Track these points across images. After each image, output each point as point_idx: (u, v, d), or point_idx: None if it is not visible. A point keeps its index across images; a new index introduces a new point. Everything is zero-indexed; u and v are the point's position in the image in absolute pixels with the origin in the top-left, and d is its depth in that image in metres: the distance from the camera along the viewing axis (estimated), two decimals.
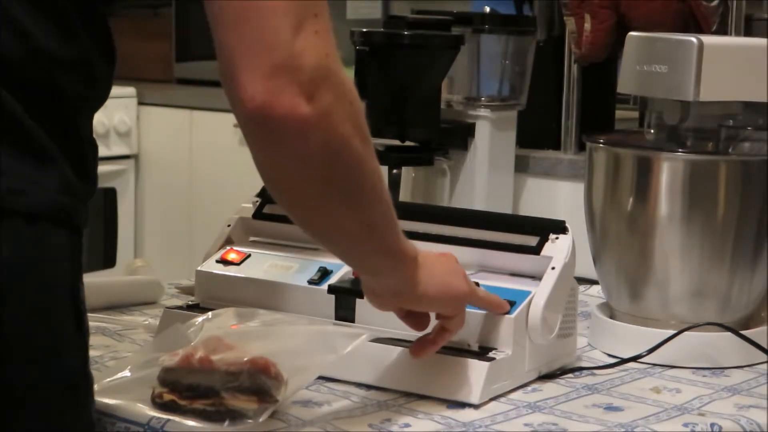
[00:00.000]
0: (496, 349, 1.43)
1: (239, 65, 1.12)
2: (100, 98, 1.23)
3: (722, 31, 2.24)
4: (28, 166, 1.12)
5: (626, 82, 1.67)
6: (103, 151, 4.07)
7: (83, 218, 1.19)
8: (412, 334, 1.46)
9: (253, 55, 1.11)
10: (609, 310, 1.69)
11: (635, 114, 2.41)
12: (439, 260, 1.37)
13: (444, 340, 1.40)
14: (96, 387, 1.36)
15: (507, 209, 2.26)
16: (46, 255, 1.13)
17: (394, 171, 2.00)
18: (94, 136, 1.24)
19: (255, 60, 1.11)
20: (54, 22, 1.15)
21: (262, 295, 1.55)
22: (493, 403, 1.41)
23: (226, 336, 1.36)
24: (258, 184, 1.70)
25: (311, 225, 1.26)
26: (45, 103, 1.14)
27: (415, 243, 1.34)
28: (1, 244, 1.09)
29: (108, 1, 1.23)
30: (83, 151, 1.19)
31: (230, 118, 3.99)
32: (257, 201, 1.66)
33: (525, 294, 1.46)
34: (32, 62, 1.13)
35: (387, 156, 2.03)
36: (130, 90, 4.21)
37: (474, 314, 1.44)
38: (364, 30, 2.09)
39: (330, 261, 1.56)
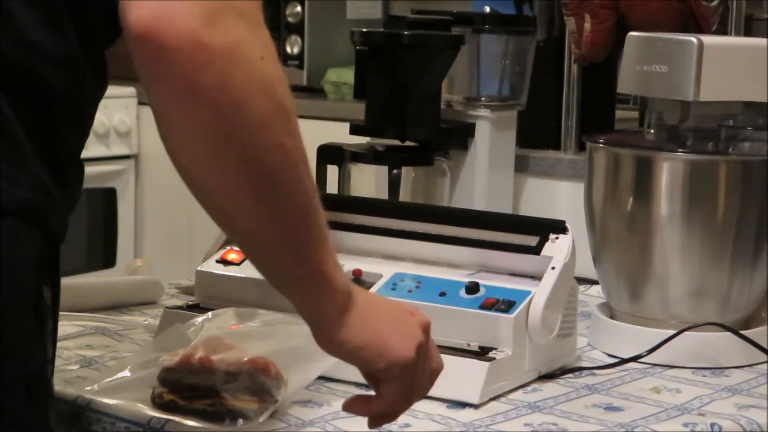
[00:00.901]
0: (496, 349, 1.43)
1: None
2: (87, 112, 1.21)
3: (722, 31, 2.24)
4: (5, 161, 1.10)
5: (626, 82, 1.67)
6: (103, 151, 4.09)
7: (58, 226, 1.16)
8: None
9: None
10: (609, 310, 1.69)
11: (635, 114, 2.41)
12: (388, 312, 1.17)
13: (375, 409, 1.19)
14: (96, 387, 1.37)
15: (507, 209, 2.26)
16: (11, 251, 1.10)
17: (394, 171, 2.00)
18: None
19: None
20: (44, 18, 1.13)
21: (262, 295, 1.54)
22: (493, 403, 1.41)
23: (226, 336, 1.36)
24: None
25: (203, 198, 1.07)
26: (28, 99, 1.12)
27: (359, 289, 1.17)
28: None
29: (107, 40, 1.21)
30: (63, 160, 1.16)
31: None
32: None
33: (525, 294, 1.46)
34: (19, 51, 1.11)
35: (387, 156, 2.03)
36: (130, 90, 4.21)
37: (474, 314, 1.44)
38: (364, 30, 2.09)
39: None
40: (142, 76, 1.02)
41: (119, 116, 4.13)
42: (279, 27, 3.89)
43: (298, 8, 3.89)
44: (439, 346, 1.43)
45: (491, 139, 2.22)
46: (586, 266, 1.67)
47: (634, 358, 1.58)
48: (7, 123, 1.10)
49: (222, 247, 1.63)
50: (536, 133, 2.42)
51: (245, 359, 1.30)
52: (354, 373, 1.44)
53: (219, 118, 1.01)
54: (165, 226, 4.21)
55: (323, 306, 1.12)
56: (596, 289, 1.80)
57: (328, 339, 1.14)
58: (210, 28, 0.99)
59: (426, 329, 1.19)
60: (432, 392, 1.40)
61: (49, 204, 1.15)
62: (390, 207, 1.71)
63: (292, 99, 1.05)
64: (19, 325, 1.12)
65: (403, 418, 1.35)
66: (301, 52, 3.88)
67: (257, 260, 1.13)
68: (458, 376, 1.40)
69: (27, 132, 1.12)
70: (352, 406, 1.21)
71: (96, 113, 1.23)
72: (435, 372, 1.22)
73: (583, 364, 1.57)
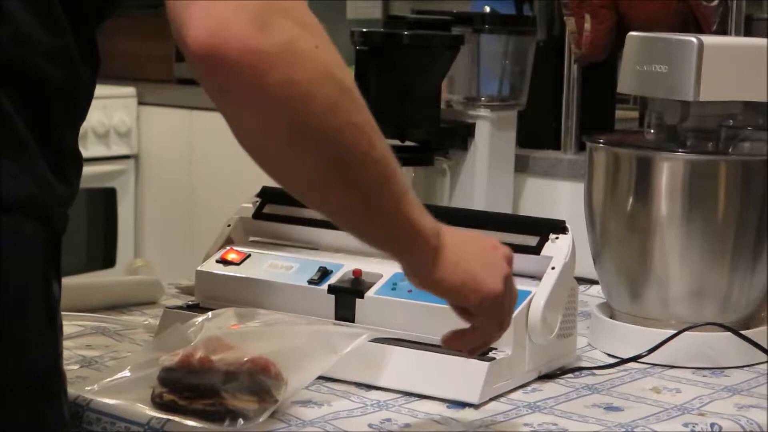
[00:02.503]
0: (496, 349, 1.43)
1: (184, 7, 1.03)
2: (81, 106, 1.21)
3: (722, 31, 2.24)
4: (6, 156, 1.11)
5: (626, 82, 1.67)
6: (103, 151, 4.09)
7: (60, 220, 1.17)
8: (412, 334, 1.46)
9: None
10: (609, 310, 1.69)
11: (635, 114, 2.41)
12: (475, 248, 1.25)
13: (472, 341, 1.28)
14: (96, 387, 1.37)
15: (507, 209, 2.26)
16: (19, 246, 1.11)
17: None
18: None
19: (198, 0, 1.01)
20: (39, 14, 1.14)
21: (262, 295, 1.55)
22: (493, 403, 1.41)
23: (226, 336, 1.36)
24: (258, 184, 1.70)
25: (294, 190, 1.14)
26: (26, 94, 1.13)
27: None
28: None
29: (98, 18, 1.22)
30: (62, 154, 1.18)
31: None
32: (257, 201, 1.66)
33: (525, 294, 1.46)
34: (16, 47, 1.12)
35: None
36: (130, 90, 4.21)
37: None
38: (364, 30, 2.09)
39: (330, 261, 1.56)
40: (209, 91, 1.06)
41: (119, 116, 4.13)
42: None
43: None
44: (440, 346, 1.43)
45: (491, 139, 2.22)
46: (586, 266, 1.67)
47: (634, 358, 1.58)
48: (8, 119, 1.11)
49: (222, 247, 1.63)
50: (536, 133, 2.42)
51: (245, 359, 1.30)
52: (354, 373, 1.45)
53: (290, 115, 1.05)
54: (165, 226, 4.22)
55: (417, 253, 1.18)
56: (596, 289, 1.80)
57: (425, 281, 1.21)
58: (263, 33, 1.02)
59: (510, 260, 1.27)
60: (432, 392, 1.41)
61: (52, 198, 1.16)
62: None
63: (351, 76, 1.09)
64: (32, 319, 1.13)
65: (402, 418, 1.35)
66: None
67: (351, 229, 1.20)
68: (458, 376, 1.40)
69: (27, 127, 1.13)
70: (451, 342, 1.28)
71: (90, 105, 1.23)
72: (515, 299, 1.30)
73: (583, 364, 1.57)
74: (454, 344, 1.29)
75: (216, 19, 1.02)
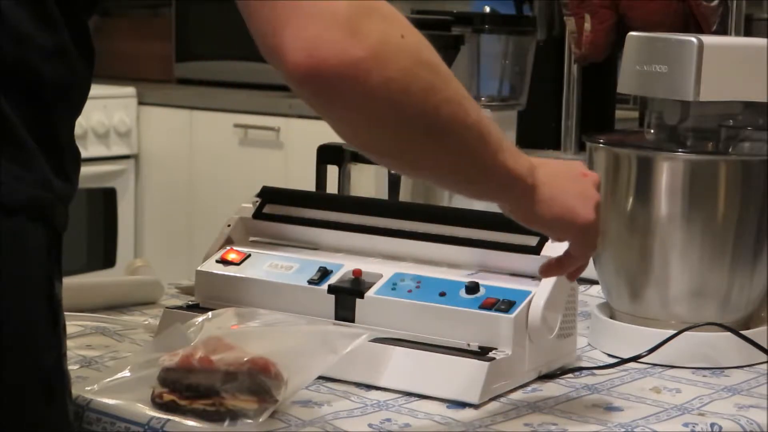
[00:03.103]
0: (496, 349, 1.43)
1: (276, 33, 1.06)
2: (78, 100, 1.22)
3: (722, 31, 2.24)
4: (7, 159, 1.11)
5: (626, 82, 1.67)
6: (103, 151, 4.09)
7: (61, 218, 1.18)
8: (412, 334, 1.46)
9: (286, 17, 1.05)
10: (609, 310, 1.69)
11: (635, 114, 2.41)
12: (566, 179, 1.31)
13: (570, 266, 1.36)
14: (96, 387, 1.37)
15: None
16: (22, 248, 1.12)
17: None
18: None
19: (289, 22, 1.05)
20: (33, 11, 1.14)
21: (262, 295, 1.55)
22: (493, 403, 1.41)
23: (226, 336, 1.36)
24: (258, 184, 1.70)
25: (408, 171, 1.26)
26: (23, 93, 1.13)
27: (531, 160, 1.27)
28: None
29: (89, 9, 1.22)
30: (61, 151, 1.18)
31: (230, 118, 4.04)
32: (257, 201, 1.66)
33: (525, 294, 1.46)
34: (12, 47, 1.12)
35: None
36: (130, 90, 4.22)
37: (474, 314, 1.44)
38: None
39: (330, 261, 1.56)
40: (315, 107, 1.10)
41: (119, 116, 4.13)
42: None
43: None
44: (440, 346, 1.43)
45: None
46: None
47: (634, 358, 1.58)
48: (7, 120, 1.11)
49: (222, 247, 1.63)
50: (536, 133, 2.42)
51: (245, 359, 1.30)
52: (354, 373, 1.45)
53: (394, 109, 1.10)
54: (165, 226, 4.22)
55: (516, 195, 1.26)
56: (596, 289, 1.80)
57: (525, 217, 1.29)
58: (354, 40, 1.06)
59: (598, 186, 1.34)
60: (432, 392, 1.41)
61: (54, 198, 1.16)
62: (390, 207, 1.71)
63: (434, 51, 1.14)
64: (35, 321, 1.13)
65: (402, 418, 1.35)
66: None
67: (456, 188, 1.30)
68: (458, 376, 1.40)
69: (26, 128, 1.12)
70: (550, 270, 1.37)
71: (87, 99, 1.23)
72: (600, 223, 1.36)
73: (583, 364, 1.57)
74: (553, 272, 1.38)
75: (311, 41, 1.05)
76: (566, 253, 1.35)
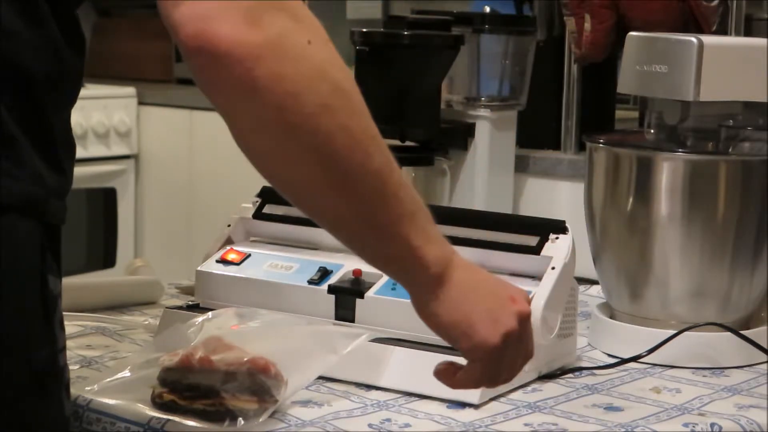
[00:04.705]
0: None
1: (176, 2, 1.03)
2: (71, 91, 1.21)
3: (722, 31, 2.24)
4: (1, 158, 1.10)
5: (626, 82, 1.67)
6: (103, 151, 4.09)
7: (57, 212, 1.17)
8: (412, 334, 1.46)
9: None
10: (609, 310, 1.69)
11: (635, 114, 2.41)
12: (486, 295, 1.19)
13: (461, 383, 1.23)
14: (96, 387, 1.37)
15: (507, 209, 2.26)
16: (13, 245, 1.11)
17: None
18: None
19: None
20: (20, 6, 1.13)
21: (262, 295, 1.55)
22: (493, 403, 1.41)
23: (226, 336, 1.36)
24: (258, 184, 1.70)
25: (287, 193, 1.12)
26: (14, 89, 1.12)
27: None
28: None
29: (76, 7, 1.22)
30: (55, 143, 1.17)
31: None
32: (257, 201, 1.66)
33: None
34: (1, 42, 1.11)
35: None
36: (130, 90, 4.21)
37: None
38: (364, 30, 2.09)
39: (330, 261, 1.56)
40: (202, 86, 1.06)
41: (119, 116, 4.13)
42: None
43: None
44: (439, 346, 1.43)
45: (491, 139, 2.22)
46: (586, 266, 1.67)
47: (634, 358, 1.58)
48: (1, 119, 1.10)
49: (222, 247, 1.63)
50: (536, 133, 2.42)
51: (245, 359, 1.30)
52: (354, 373, 1.45)
53: (280, 111, 1.04)
54: (165, 226, 4.22)
55: (414, 280, 1.15)
56: (596, 289, 1.80)
57: (420, 309, 1.17)
58: (253, 27, 1.02)
59: (523, 318, 1.20)
60: (432, 392, 1.41)
61: (47, 193, 1.15)
62: None
63: (351, 77, 1.08)
64: (26, 316, 1.13)
65: (402, 418, 1.35)
66: None
67: (345, 241, 1.15)
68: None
69: (17, 123, 1.12)
70: (442, 374, 1.23)
71: (80, 89, 1.22)
72: (525, 360, 1.24)
73: (583, 364, 1.57)
74: (442, 377, 1.24)
75: (207, 15, 1.02)
76: (464, 369, 1.22)
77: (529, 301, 1.24)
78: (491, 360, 1.20)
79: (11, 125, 1.11)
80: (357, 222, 1.12)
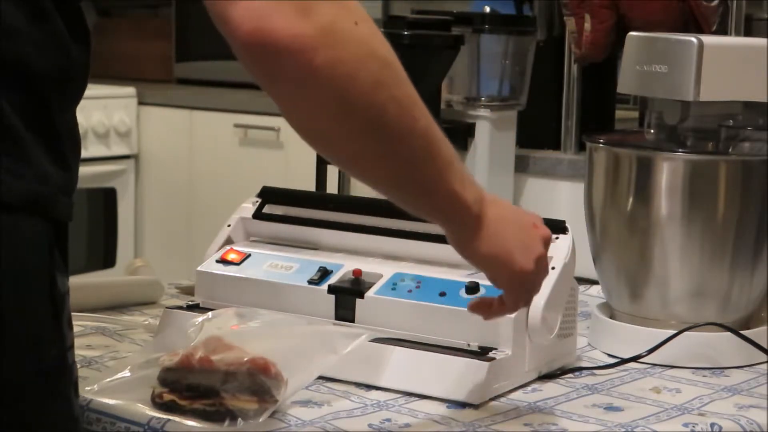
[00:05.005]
0: (496, 349, 1.43)
1: (228, 1, 1.07)
2: (77, 86, 1.21)
3: (722, 31, 2.24)
4: (5, 154, 1.10)
5: (626, 82, 1.67)
6: (103, 151, 4.09)
7: (64, 209, 1.17)
8: (412, 334, 1.46)
9: None
10: (609, 310, 1.69)
11: (635, 114, 2.41)
12: (514, 225, 1.28)
13: (498, 312, 1.33)
14: (96, 387, 1.37)
15: None
16: (22, 244, 1.11)
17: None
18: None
19: None
20: (25, 4, 1.13)
21: (262, 295, 1.55)
22: (493, 403, 1.41)
23: (226, 336, 1.36)
24: (258, 184, 1.70)
25: (341, 163, 1.22)
26: (18, 87, 1.12)
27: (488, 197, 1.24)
28: None
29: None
30: (60, 139, 1.17)
31: (230, 118, 4.03)
32: (257, 201, 1.66)
33: None
34: (4, 42, 1.11)
35: None
36: (130, 90, 4.21)
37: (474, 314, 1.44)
38: None
39: (330, 261, 1.56)
40: (259, 79, 1.10)
41: (119, 116, 4.13)
42: None
43: None
44: (440, 346, 1.43)
45: (491, 139, 2.23)
46: (586, 266, 1.67)
47: (634, 358, 1.58)
48: (5, 116, 1.10)
49: (222, 247, 1.63)
50: (536, 133, 2.43)
51: (245, 359, 1.30)
52: (354, 373, 1.45)
53: (339, 95, 1.09)
54: (165, 226, 4.22)
55: (458, 221, 1.23)
56: (596, 289, 1.80)
57: (462, 247, 1.25)
58: (305, 19, 1.06)
59: (547, 242, 1.31)
60: (432, 392, 1.41)
61: (53, 190, 1.15)
62: (390, 207, 1.71)
63: (391, 48, 1.13)
64: (36, 316, 1.13)
65: (402, 418, 1.35)
66: None
67: (394, 198, 1.23)
68: (458, 376, 1.40)
69: (24, 121, 1.12)
70: (476, 308, 1.33)
71: (87, 84, 1.22)
72: (545, 276, 1.34)
73: (583, 364, 1.57)
74: (478, 311, 1.34)
75: (261, 11, 1.06)
76: (499, 298, 1.32)
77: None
78: (526, 285, 1.30)
79: (18, 123, 1.11)
80: (408, 181, 1.19)
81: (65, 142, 1.18)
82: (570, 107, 2.41)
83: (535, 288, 1.32)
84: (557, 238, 1.50)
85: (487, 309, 1.33)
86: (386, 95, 1.12)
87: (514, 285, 1.30)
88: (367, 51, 1.11)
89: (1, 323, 1.10)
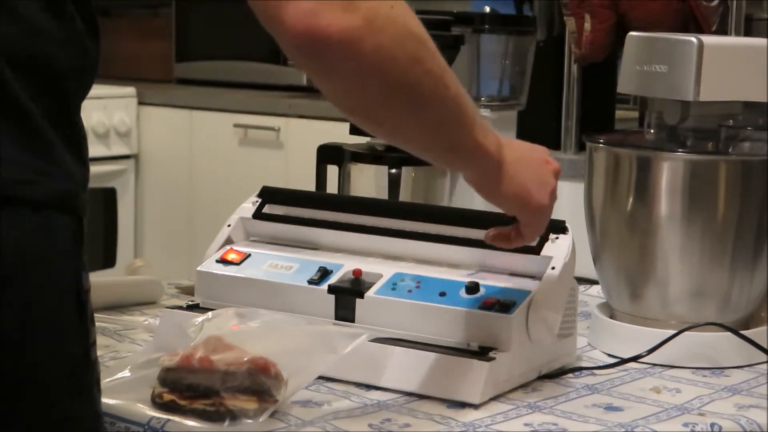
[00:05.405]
0: (496, 349, 1.43)
1: (278, 3, 1.14)
2: (89, 80, 1.21)
3: (722, 31, 2.24)
4: (31, 154, 1.11)
5: (626, 82, 1.67)
6: (103, 151, 4.09)
7: (83, 204, 1.19)
8: (412, 334, 1.46)
9: None
10: (609, 310, 1.69)
11: (635, 114, 2.42)
12: (529, 162, 1.39)
13: (516, 242, 1.42)
14: None
15: None
16: (51, 242, 1.13)
17: (394, 171, 2.00)
18: (95, 135, 1.24)
19: None
20: (47, 3, 1.14)
21: (262, 295, 1.55)
22: (493, 403, 1.41)
23: (226, 336, 1.36)
24: (258, 184, 1.70)
25: (387, 137, 1.33)
26: (42, 85, 1.13)
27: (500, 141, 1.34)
28: (7, 231, 1.09)
29: None
30: (78, 135, 1.19)
31: (230, 118, 4.04)
32: (257, 201, 1.66)
33: (525, 294, 1.46)
34: (28, 39, 1.12)
35: (387, 156, 2.03)
36: (130, 90, 4.22)
37: (474, 314, 1.44)
38: None
39: (330, 261, 1.56)
40: (311, 73, 1.19)
41: (119, 116, 4.13)
42: None
43: None
44: (440, 346, 1.43)
45: None
46: (586, 266, 1.67)
47: (634, 358, 1.58)
48: (30, 116, 1.11)
49: (222, 247, 1.63)
50: (536, 133, 2.42)
51: (245, 359, 1.30)
52: (354, 373, 1.45)
53: (384, 76, 1.18)
54: (165, 226, 4.22)
55: (481, 170, 1.34)
56: (596, 289, 1.80)
57: (487, 191, 1.36)
58: (350, 12, 1.14)
59: (557, 175, 1.42)
60: (432, 392, 1.41)
61: (76, 187, 1.17)
62: (390, 207, 1.71)
63: (421, 23, 1.22)
64: (64, 313, 1.14)
65: (402, 418, 1.35)
66: None
67: (427, 157, 1.36)
68: (458, 376, 1.40)
69: (51, 122, 1.13)
70: (495, 239, 1.44)
71: (95, 79, 1.24)
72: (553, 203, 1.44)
73: (583, 364, 1.57)
74: (499, 242, 1.43)
75: (311, 10, 1.14)
76: (516, 230, 1.41)
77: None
78: (543, 217, 1.40)
79: (42, 122, 1.13)
80: (441, 142, 1.29)
81: (81, 138, 1.20)
82: (570, 107, 2.41)
83: (548, 217, 1.42)
84: (557, 238, 1.50)
85: (506, 240, 1.42)
86: (422, 70, 1.20)
87: (533, 218, 1.40)
88: (404, 31, 1.19)
89: (32, 320, 1.11)
